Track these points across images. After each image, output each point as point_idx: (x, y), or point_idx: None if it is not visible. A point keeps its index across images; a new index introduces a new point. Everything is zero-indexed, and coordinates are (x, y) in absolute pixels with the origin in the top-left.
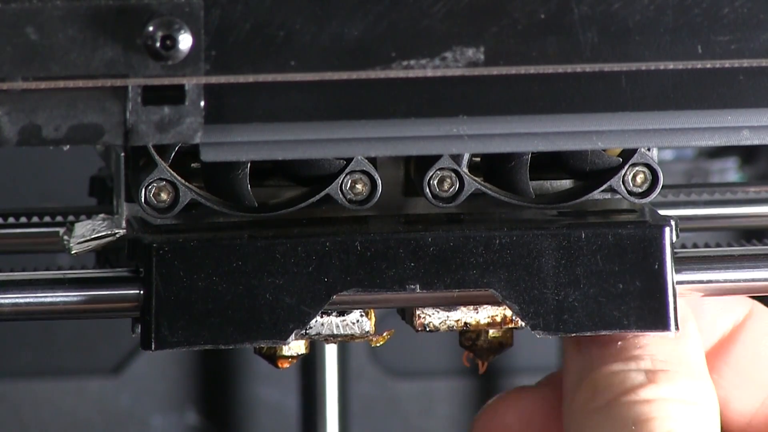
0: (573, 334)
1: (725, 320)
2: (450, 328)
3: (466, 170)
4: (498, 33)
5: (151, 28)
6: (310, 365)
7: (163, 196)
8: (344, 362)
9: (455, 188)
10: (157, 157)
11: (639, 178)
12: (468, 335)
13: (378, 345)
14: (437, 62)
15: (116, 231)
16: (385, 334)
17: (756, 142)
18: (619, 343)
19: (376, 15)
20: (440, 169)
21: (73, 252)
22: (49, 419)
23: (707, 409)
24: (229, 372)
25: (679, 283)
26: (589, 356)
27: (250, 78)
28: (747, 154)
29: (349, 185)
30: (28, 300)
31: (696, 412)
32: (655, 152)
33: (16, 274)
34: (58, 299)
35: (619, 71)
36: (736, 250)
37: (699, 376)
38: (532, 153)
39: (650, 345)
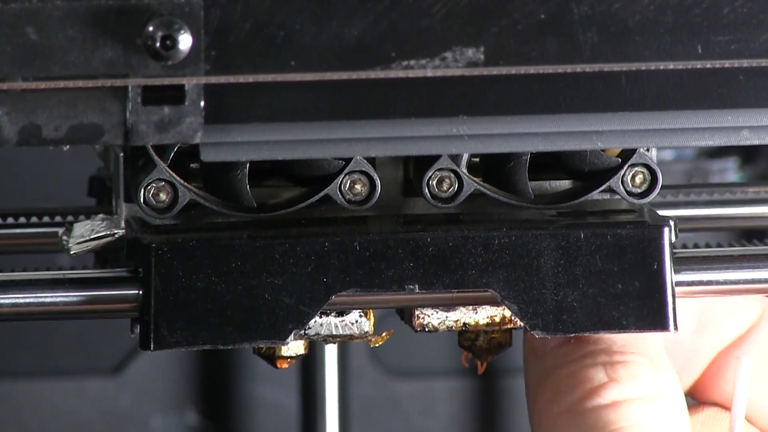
0: (572, 335)
1: (740, 320)
2: (449, 328)
3: (465, 170)
4: (498, 33)
5: (151, 28)
6: (310, 365)
7: (162, 196)
8: (344, 362)
9: (454, 188)
10: (156, 158)
11: (638, 179)
12: (467, 335)
13: (377, 345)
14: (437, 62)
15: (115, 231)
16: (384, 334)
17: (756, 142)
18: (572, 341)
19: (376, 15)
20: (439, 169)
21: (72, 252)
22: (49, 419)
23: (673, 399)
24: (229, 372)
25: (679, 283)
26: (547, 358)
27: (250, 78)
28: (747, 154)
29: (348, 185)
30: (27, 300)
31: (663, 407)
32: (654, 152)
33: (15, 274)
34: (58, 299)
35: (619, 71)
36: (736, 250)
37: (659, 363)
38: (532, 153)
39: (604, 337)
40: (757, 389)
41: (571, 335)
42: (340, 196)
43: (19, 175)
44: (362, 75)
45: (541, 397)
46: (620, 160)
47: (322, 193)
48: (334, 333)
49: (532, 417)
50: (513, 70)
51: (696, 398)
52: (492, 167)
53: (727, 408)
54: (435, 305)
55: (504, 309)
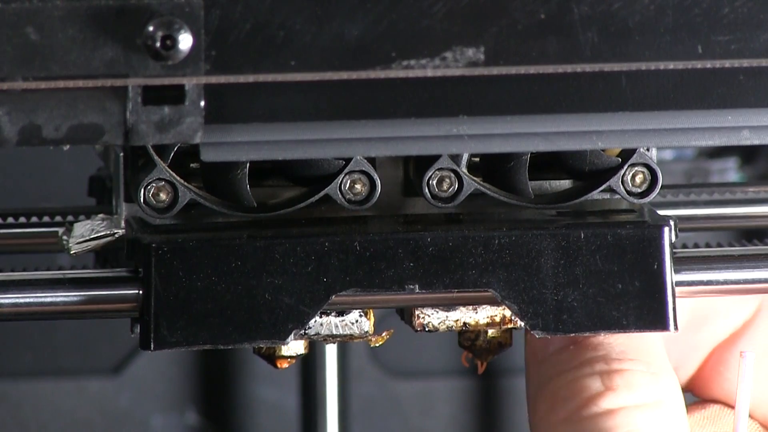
0: (572, 334)
1: (736, 315)
2: (449, 328)
3: (465, 170)
4: (498, 33)
5: (151, 28)
6: (310, 365)
7: (162, 196)
8: (344, 362)
9: (454, 188)
10: (156, 157)
11: (638, 178)
12: (467, 335)
13: (377, 345)
14: (437, 62)
15: (115, 231)
16: (384, 334)
17: (756, 142)
18: (571, 347)
19: (376, 15)
20: (439, 169)
21: (72, 252)
22: (49, 419)
23: (671, 405)
24: (229, 372)
25: (679, 283)
26: (546, 364)
27: (250, 78)
28: (747, 154)
29: (348, 185)
30: (27, 300)
31: (661, 414)
32: (654, 152)
33: (16, 274)
34: (58, 299)
35: (619, 71)
36: (736, 250)
37: (658, 369)
38: (532, 153)
39: (603, 343)
40: (755, 383)
41: (570, 340)
42: (340, 195)
43: (19, 175)
44: (362, 75)
45: (541, 405)
46: (620, 159)
47: (322, 193)
48: (334, 333)
49: (532, 425)
50: (513, 70)
51: (696, 394)
52: (492, 167)
53: (729, 403)
54: (435, 305)
55: (504, 309)
